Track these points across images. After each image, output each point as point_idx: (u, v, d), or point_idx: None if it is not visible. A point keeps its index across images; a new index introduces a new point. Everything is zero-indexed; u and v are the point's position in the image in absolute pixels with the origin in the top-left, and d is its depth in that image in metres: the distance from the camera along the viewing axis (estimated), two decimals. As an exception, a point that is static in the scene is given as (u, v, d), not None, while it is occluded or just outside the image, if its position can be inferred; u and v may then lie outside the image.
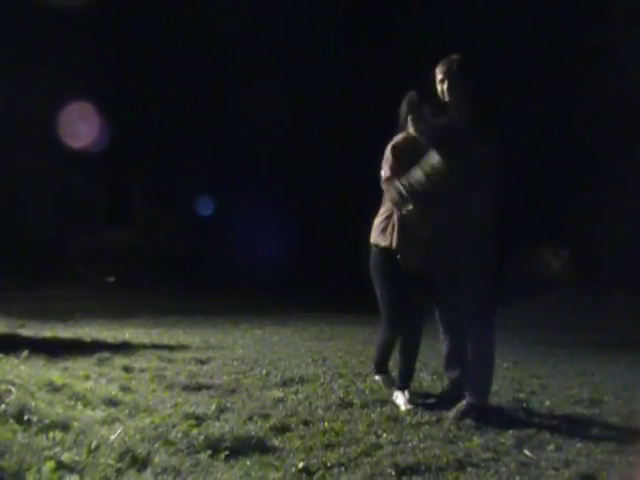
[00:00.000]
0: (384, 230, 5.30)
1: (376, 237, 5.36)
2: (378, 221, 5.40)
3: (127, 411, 4.60)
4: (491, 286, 5.04)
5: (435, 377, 6.30)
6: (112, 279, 18.08)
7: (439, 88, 5.08)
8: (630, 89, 13.92)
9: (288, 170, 18.26)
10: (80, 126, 16.47)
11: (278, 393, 5.45)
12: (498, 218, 5.08)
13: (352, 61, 16.80)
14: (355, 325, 10.57)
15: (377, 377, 5.77)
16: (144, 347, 7.52)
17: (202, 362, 6.73)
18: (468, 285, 4.97)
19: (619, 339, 9.04)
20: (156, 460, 3.57)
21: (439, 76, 5.07)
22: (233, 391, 5.51)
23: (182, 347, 7.67)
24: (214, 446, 3.89)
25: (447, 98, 5.06)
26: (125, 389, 5.35)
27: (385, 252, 5.26)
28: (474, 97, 5.00)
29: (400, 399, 5.22)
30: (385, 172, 5.22)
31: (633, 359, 7.98)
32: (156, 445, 3.82)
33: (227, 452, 3.83)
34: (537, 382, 6.41)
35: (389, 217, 5.29)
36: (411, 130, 5.17)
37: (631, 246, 12.68)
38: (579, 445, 4.28)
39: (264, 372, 6.30)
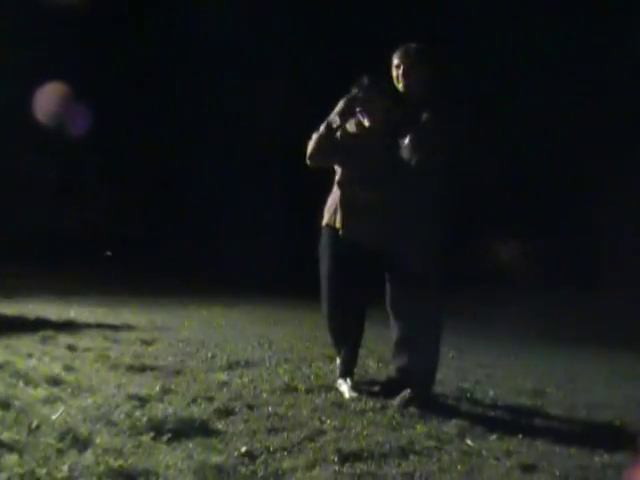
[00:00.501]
0: (330, 207, 5.33)
1: (325, 216, 5.38)
2: (329, 201, 5.42)
3: (70, 390, 4.55)
4: (440, 272, 5.07)
5: (381, 364, 6.34)
6: (109, 253, 17.81)
7: (394, 73, 5.11)
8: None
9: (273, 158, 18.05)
10: (54, 107, 16.17)
11: (223, 376, 5.43)
12: (451, 203, 5.11)
13: (352, 54, 16.65)
14: (303, 309, 10.58)
15: (340, 381, 5.33)
16: (89, 326, 7.45)
17: (147, 343, 6.69)
18: (415, 269, 4.99)
19: (564, 331, 9.17)
20: (98, 441, 3.52)
21: (395, 61, 5.11)
22: (178, 373, 5.47)
23: (128, 327, 7.61)
24: (157, 428, 3.85)
25: (402, 83, 5.09)
26: (68, 368, 5.28)
27: (330, 230, 5.28)
28: (429, 81, 5.06)
29: (344, 386, 5.22)
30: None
31: (576, 351, 8.12)
32: (98, 425, 3.78)
33: (170, 434, 3.79)
34: (482, 372, 6.49)
35: (334, 195, 5.36)
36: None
37: (584, 240, 12.90)
38: (521, 436, 4.33)
39: (210, 354, 6.28)
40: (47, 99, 16.06)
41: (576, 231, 13.61)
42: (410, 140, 4.96)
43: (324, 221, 5.35)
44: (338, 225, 5.18)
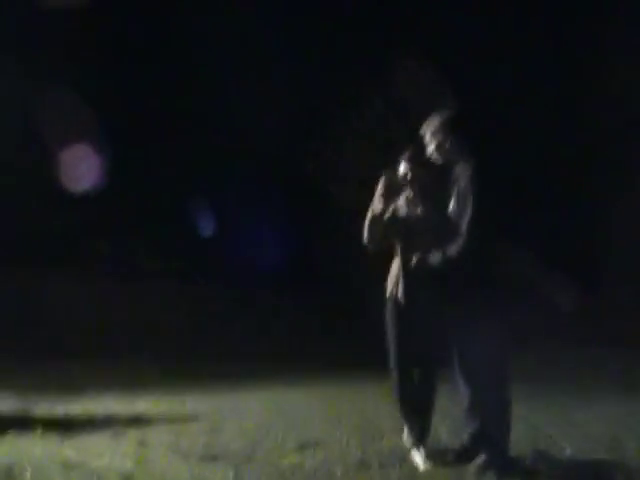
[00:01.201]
0: (392, 278, 5.39)
1: (388, 287, 5.44)
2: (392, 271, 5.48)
3: (145, 484, 4.56)
4: (501, 333, 5.03)
5: (452, 431, 6.25)
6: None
7: (428, 148, 5.22)
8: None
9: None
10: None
11: (295, 458, 5.39)
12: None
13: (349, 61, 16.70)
14: (369, 382, 10.47)
15: (414, 452, 5.33)
16: (157, 419, 7.45)
17: (216, 431, 6.66)
18: (475, 334, 4.95)
19: (630, 377, 8.97)
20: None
21: (427, 137, 5.21)
22: (249, 459, 5.44)
23: (193, 417, 7.59)
24: (234, 517, 3.84)
25: (437, 156, 5.18)
26: (140, 463, 5.29)
27: (393, 302, 5.33)
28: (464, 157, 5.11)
29: (418, 457, 5.17)
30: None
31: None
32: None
33: (249, 523, 3.78)
34: (555, 429, 6.34)
35: (394, 263, 5.43)
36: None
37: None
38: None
39: (280, 437, 6.24)
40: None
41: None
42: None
43: (388, 291, 5.40)
44: (400, 296, 5.20)
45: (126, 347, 15.13)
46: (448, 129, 5.15)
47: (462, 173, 5.03)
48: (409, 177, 5.32)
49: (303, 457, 5.45)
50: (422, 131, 5.28)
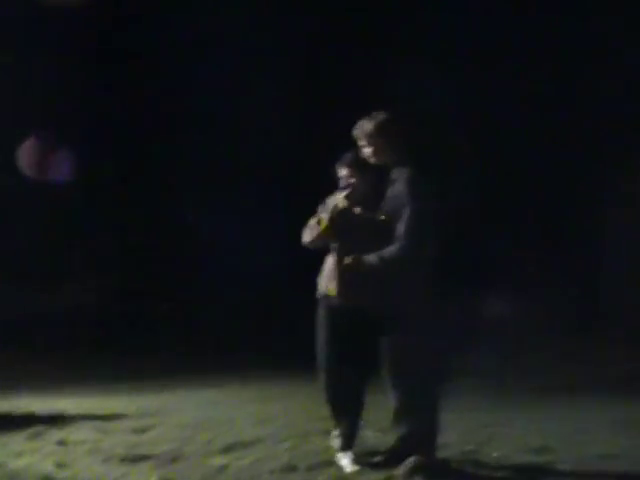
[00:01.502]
0: (325, 276, 5.32)
1: (321, 285, 5.37)
2: (324, 270, 5.40)
3: (64, 490, 4.41)
4: (436, 333, 5.01)
5: (379, 433, 6.21)
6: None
7: (364, 152, 5.16)
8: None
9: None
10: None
11: (221, 460, 5.30)
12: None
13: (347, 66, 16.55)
14: (297, 383, 10.38)
15: (340, 455, 5.25)
16: (79, 418, 7.26)
17: (141, 431, 6.51)
18: (412, 332, 4.92)
19: (564, 380, 9.09)
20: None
21: (360, 142, 5.13)
22: (175, 460, 5.33)
23: (118, 416, 7.42)
24: (158, 522, 3.73)
25: (372, 159, 5.12)
26: (61, 465, 5.14)
27: (326, 299, 5.25)
28: (398, 149, 5.06)
29: (344, 460, 5.11)
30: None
31: (574, 401, 8.01)
32: (97, 526, 3.64)
33: (171, 528, 3.67)
34: (484, 432, 6.36)
35: (330, 263, 5.32)
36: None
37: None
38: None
39: (206, 438, 6.12)
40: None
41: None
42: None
43: (319, 291, 5.34)
44: (334, 293, 5.12)
45: (48, 343, 14.78)
46: (383, 132, 5.09)
47: (399, 176, 4.98)
48: (349, 181, 5.25)
49: (230, 458, 5.36)
50: (356, 133, 5.20)
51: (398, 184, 4.96)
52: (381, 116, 5.12)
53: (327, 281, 5.25)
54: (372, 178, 5.18)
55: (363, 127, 5.12)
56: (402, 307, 4.92)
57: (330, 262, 5.29)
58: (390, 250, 4.88)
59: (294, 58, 16.47)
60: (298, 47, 16.50)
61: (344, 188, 5.25)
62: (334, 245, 5.23)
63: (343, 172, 5.28)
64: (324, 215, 5.20)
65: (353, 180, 5.21)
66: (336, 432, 5.40)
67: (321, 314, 5.32)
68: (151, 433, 6.45)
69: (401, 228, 4.84)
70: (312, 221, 5.30)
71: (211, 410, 7.92)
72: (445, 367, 5.15)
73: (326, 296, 5.24)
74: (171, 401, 8.69)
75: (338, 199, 5.23)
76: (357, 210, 5.17)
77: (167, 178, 17.81)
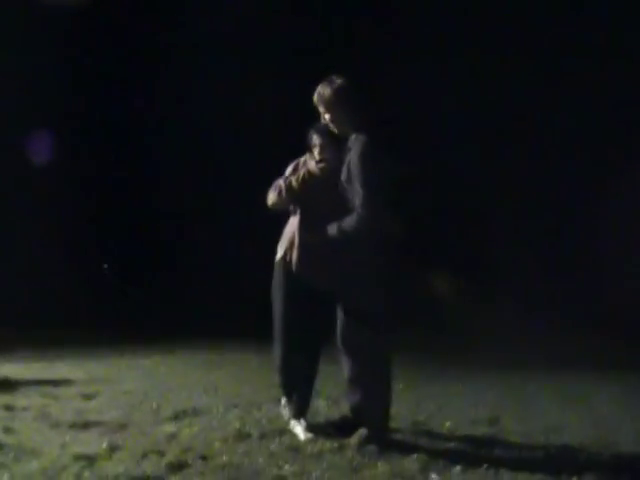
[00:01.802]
0: (284, 243, 5.27)
1: (279, 251, 5.31)
2: (283, 237, 5.35)
3: (12, 455, 4.32)
4: (387, 307, 5.01)
5: (331, 403, 6.22)
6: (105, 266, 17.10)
7: (324, 118, 5.12)
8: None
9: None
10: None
11: (171, 427, 5.25)
12: (391, 237, 5.06)
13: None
14: (244, 351, 10.34)
15: (294, 423, 5.23)
16: (25, 383, 7.14)
17: (88, 397, 6.43)
18: (364, 305, 4.91)
19: (506, 358, 9.15)
20: (48, 509, 3.32)
21: (320, 108, 5.09)
22: (123, 427, 5.26)
23: (66, 382, 7.31)
24: (109, 489, 3.67)
25: (331, 126, 5.07)
26: (7, 430, 5.04)
27: (284, 265, 5.20)
28: (354, 118, 5.01)
29: (298, 428, 5.10)
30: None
31: (525, 375, 8.10)
32: (47, 492, 3.58)
33: (123, 495, 3.62)
34: (434, 403, 6.41)
35: (290, 230, 5.29)
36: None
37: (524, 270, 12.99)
38: (485, 466, 4.26)
39: (154, 405, 6.07)
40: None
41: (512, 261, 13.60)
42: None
43: (278, 256, 5.28)
44: (293, 263, 5.09)
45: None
46: (341, 97, 5.04)
47: (354, 145, 4.94)
48: (323, 154, 5.19)
49: (179, 426, 5.31)
50: (315, 99, 5.14)
51: (352, 153, 4.92)
52: (339, 81, 5.06)
53: (286, 248, 5.21)
54: (333, 146, 5.14)
55: (321, 92, 5.07)
56: (355, 278, 4.92)
57: (291, 228, 5.25)
58: (346, 221, 4.86)
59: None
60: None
61: (319, 161, 5.21)
62: (296, 210, 5.20)
63: (317, 141, 5.22)
64: (293, 178, 5.17)
65: (327, 155, 5.16)
66: (284, 401, 5.39)
67: (277, 279, 5.27)
68: (99, 400, 6.37)
69: (358, 199, 4.82)
70: (280, 181, 5.25)
71: (159, 377, 7.85)
72: (395, 338, 5.13)
73: (283, 261, 5.20)
74: (118, 368, 8.59)
75: (311, 166, 5.20)
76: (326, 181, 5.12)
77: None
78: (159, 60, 16.81)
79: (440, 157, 14.52)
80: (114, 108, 17.28)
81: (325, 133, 5.16)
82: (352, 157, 4.89)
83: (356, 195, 4.82)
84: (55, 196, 16.47)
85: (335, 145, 5.11)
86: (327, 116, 5.08)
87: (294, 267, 5.11)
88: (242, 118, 15.67)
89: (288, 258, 5.17)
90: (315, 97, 5.11)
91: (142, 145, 17.39)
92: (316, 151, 5.21)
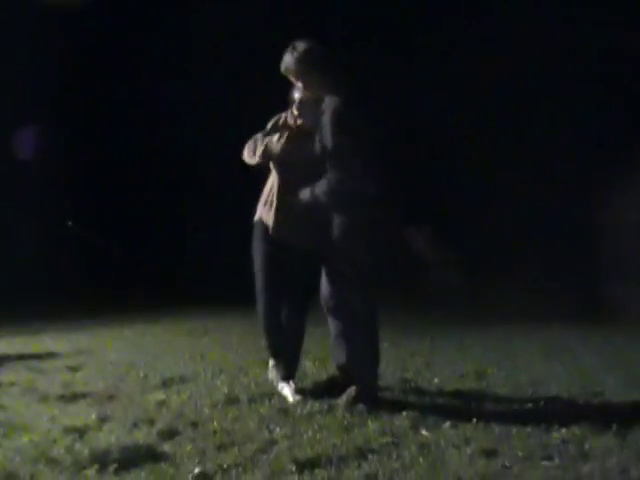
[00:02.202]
0: (263, 204, 5.22)
1: (257, 211, 5.27)
2: (263, 198, 5.30)
3: (1, 430, 4.29)
4: (372, 265, 5.00)
5: (317, 363, 6.24)
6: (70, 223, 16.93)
7: (297, 87, 5.13)
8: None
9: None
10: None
11: (160, 395, 5.24)
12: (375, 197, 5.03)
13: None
14: (228, 318, 10.34)
15: (282, 385, 5.23)
16: (9, 358, 7.10)
17: (75, 369, 6.40)
18: (348, 263, 4.90)
19: (491, 313, 9.22)
20: (42, 482, 3.31)
21: (290, 78, 5.07)
22: (112, 398, 5.24)
23: (51, 355, 7.28)
24: (101, 459, 3.66)
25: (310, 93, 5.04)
26: (-5, 405, 5.01)
27: (263, 225, 5.16)
28: (322, 82, 4.98)
29: (287, 390, 5.10)
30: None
31: (508, 331, 8.16)
32: (40, 466, 3.55)
33: (116, 465, 3.60)
34: (420, 360, 6.45)
35: (269, 192, 5.23)
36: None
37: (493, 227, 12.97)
38: (475, 420, 4.29)
39: (142, 374, 6.06)
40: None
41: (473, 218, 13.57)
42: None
43: (256, 216, 5.25)
44: (270, 223, 5.06)
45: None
46: (307, 61, 4.99)
47: (327, 107, 4.90)
48: (297, 104, 5.14)
49: (168, 394, 5.30)
50: (283, 70, 5.08)
51: (324, 116, 4.88)
52: (302, 46, 5.00)
53: (265, 209, 5.17)
54: (309, 107, 5.10)
55: (286, 61, 5.01)
56: (338, 237, 4.90)
57: (269, 188, 5.22)
58: (318, 185, 4.83)
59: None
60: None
61: (297, 117, 5.16)
62: (274, 170, 5.17)
63: (296, 95, 5.16)
64: (271, 139, 5.13)
65: (305, 112, 5.11)
66: (272, 362, 5.39)
67: (257, 240, 5.23)
68: (85, 371, 6.35)
69: (331, 161, 4.79)
70: (257, 137, 5.21)
71: (145, 346, 7.84)
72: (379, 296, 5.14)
73: (261, 222, 5.17)
74: (103, 338, 8.56)
75: (290, 125, 5.17)
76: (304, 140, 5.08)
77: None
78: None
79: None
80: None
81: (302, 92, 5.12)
82: (324, 119, 4.85)
83: (328, 158, 4.80)
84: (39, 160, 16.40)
85: (314, 104, 5.06)
86: (299, 84, 5.03)
87: (271, 230, 5.08)
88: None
89: (265, 220, 5.13)
90: (282, 67, 5.04)
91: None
92: (294, 106, 5.16)
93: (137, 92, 16.67)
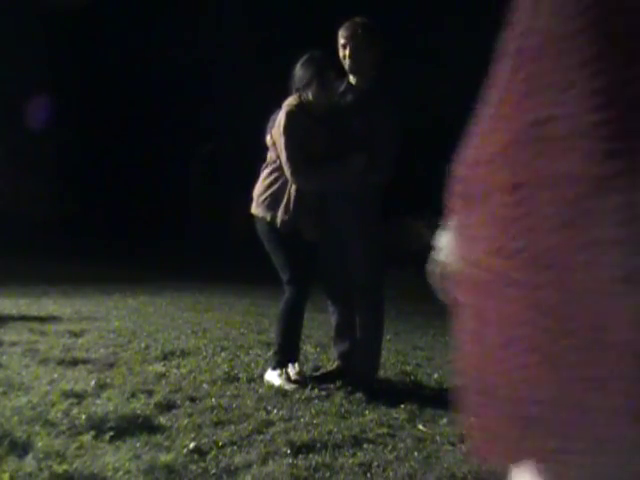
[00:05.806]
0: (272, 204, 4.96)
1: (262, 211, 5.00)
2: (262, 193, 5.05)
3: (1, 389, 4.30)
4: (380, 256, 4.99)
5: (319, 349, 6.24)
6: None
7: (341, 53, 4.90)
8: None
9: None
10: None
11: (160, 367, 5.24)
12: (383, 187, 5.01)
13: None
14: (232, 295, 10.35)
15: (283, 369, 5.01)
16: (12, 319, 7.12)
17: (76, 335, 6.41)
18: (358, 254, 4.89)
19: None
20: (38, 444, 3.31)
21: (341, 40, 4.86)
22: (112, 365, 5.25)
23: (54, 318, 7.30)
24: (97, 426, 3.66)
25: (348, 63, 4.90)
26: (-5, 366, 5.02)
27: (272, 225, 4.96)
28: (376, 66, 4.92)
29: (290, 370, 5.05)
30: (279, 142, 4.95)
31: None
32: (36, 427, 3.55)
33: (112, 433, 3.60)
34: (421, 354, 6.45)
35: (277, 188, 4.97)
36: (310, 93, 4.88)
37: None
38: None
39: (143, 345, 6.06)
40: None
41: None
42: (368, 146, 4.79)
43: (260, 214, 5.03)
44: (279, 221, 4.90)
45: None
46: (368, 37, 4.86)
47: (380, 100, 4.86)
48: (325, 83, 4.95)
49: (168, 366, 5.31)
50: (341, 32, 4.88)
51: (380, 112, 4.82)
52: (369, 22, 4.92)
53: (272, 207, 4.96)
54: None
55: (350, 25, 4.89)
56: (344, 228, 4.89)
57: (274, 185, 5.00)
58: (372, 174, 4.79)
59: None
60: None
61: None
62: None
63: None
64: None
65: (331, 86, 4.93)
66: (278, 347, 5.12)
67: (271, 238, 5.03)
68: (87, 337, 6.35)
69: (379, 152, 4.75)
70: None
71: (147, 317, 7.85)
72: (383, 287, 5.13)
73: (270, 223, 4.98)
74: (106, 306, 8.59)
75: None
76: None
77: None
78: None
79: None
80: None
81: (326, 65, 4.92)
82: (380, 116, 4.80)
83: (380, 151, 4.77)
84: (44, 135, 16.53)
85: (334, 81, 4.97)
86: (346, 51, 4.90)
87: (280, 226, 4.91)
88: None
89: (272, 218, 4.95)
90: (342, 29, 4.89)
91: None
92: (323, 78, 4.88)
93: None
